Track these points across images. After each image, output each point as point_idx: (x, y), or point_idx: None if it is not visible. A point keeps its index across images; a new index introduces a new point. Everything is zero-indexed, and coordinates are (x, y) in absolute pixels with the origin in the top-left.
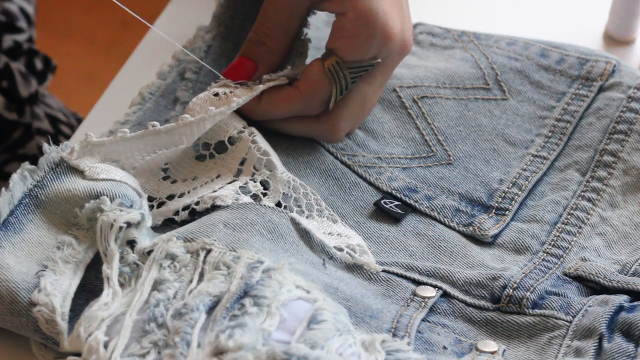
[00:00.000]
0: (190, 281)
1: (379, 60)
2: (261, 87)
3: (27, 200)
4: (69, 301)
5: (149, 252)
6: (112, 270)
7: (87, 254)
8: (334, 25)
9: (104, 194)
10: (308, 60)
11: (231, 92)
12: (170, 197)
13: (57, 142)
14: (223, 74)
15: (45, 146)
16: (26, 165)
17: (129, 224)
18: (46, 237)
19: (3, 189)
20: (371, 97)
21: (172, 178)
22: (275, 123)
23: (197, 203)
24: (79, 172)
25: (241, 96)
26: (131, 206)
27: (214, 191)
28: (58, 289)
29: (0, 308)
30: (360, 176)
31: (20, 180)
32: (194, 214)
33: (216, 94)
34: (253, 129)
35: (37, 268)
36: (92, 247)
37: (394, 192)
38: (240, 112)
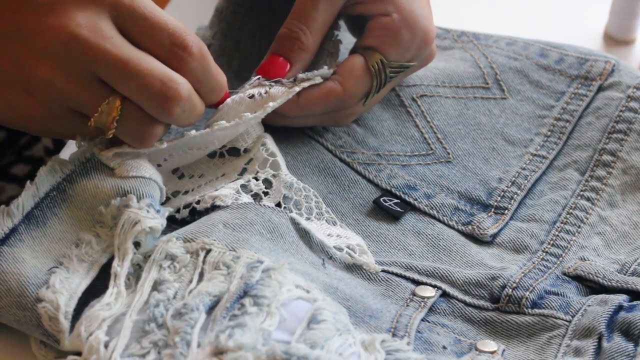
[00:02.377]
0: (190, 281)
1: (415, 63)
2: (297, 89)
3: (54, 193)
4: (75, 300)
5: (146, 257)
6: (122, 268)
7: (104, 255)
8: (374, 25)
9: (131, 192)
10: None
11: (266, 92)
12: (175, 194)
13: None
14: (256, 72)
15: (78, 141)
16: (57, 158)
17: (150, 229)
18: (68, 233)
19: (28, 181)
20: (385, 94)
21: (181, 172)
22: (289, 119)
23: (198, 202)
24: (109, 169)
25: (276, 98)
26: (158, 212)
27: (216, 189)
28: (66, 287)
29: (8, 300)
30: (360, 173)
31: (49, 172)
32: (194, 213)
33: (251, 96)
34: (266, 134)
35: (52, 264)
36: (111, 247)
37: (393, 189)
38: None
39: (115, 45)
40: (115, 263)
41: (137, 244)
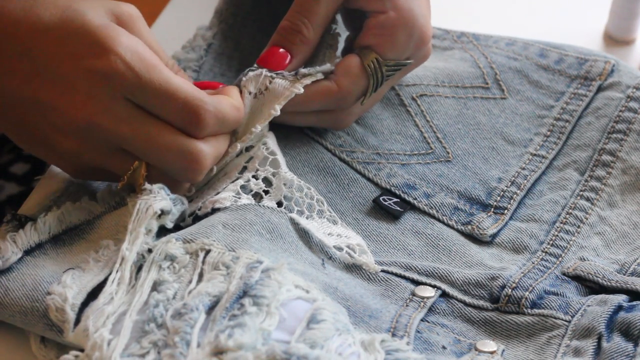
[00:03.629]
0: (190, 281)
1: (412, 61)
2: (299, 86)
3: (84, 226)
4: (84, 294)
5: (149, 251)
6: (130, 252)
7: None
8: (371, 23)
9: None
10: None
11: (266, 88)
12: None
13: None
14: (257, 62)
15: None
16: (87, 200)
17: (162, 212)
18: (92, 248)
19: (55, 207)
20: (383, 93)
21: None
22: (285, 115)
23: (200, 208)
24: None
25: (279, 97)
26: (168, 195)
27: (217, 193)
28: (77, 282)
29: (19, 292)
30: (359, 172)
31: (78, 209)
32: (196, 219)
33: (255, 95)
34: (269, 132)
35: (69, 267)
36: None
37: (392, 188)
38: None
39: (131, 125)
40: (124, 246)
41: (149, 231)
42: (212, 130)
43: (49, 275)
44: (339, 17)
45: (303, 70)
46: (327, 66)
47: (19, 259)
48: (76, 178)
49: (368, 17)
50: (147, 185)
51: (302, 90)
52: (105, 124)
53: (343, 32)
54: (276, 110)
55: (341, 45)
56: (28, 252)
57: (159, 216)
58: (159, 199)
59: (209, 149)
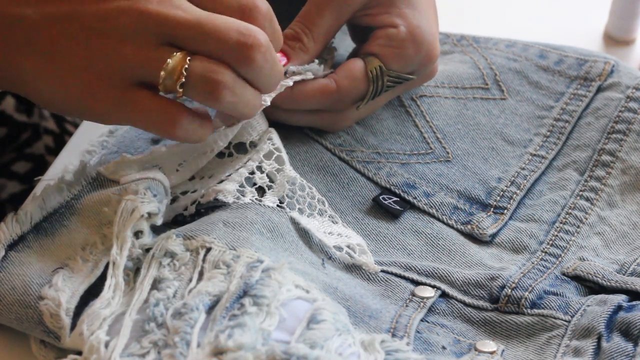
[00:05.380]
0: (190, 280)
1: (414, 77)
2: (289, 81)
3: (63, 209)
4: (77, 298)
5: (147, 250)
6: (121, 257)
7: (109, 253)
8: (379, 33)
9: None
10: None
11: None
12: (184, 193)
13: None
14: None
15: (84, 160)
16: (63, 179)
17: (149, 215)
18: (76, 240)
19: (34, 192)
20: (380, 105)
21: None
22: (282, 113)
23: (203, 196)
24: (115, 182)
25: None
26: (155, 196)
27: (221, 181)
28: (69, 285)
29: (10, 298)
30: (359, 171)
31: (57, 191)
32: (198, 206)
33: None
34: (272, 129)
35: (57, 266)
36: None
37: (392, 187)
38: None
39: (187, 11)
40: (113, 251)
41: (141, 232)
42: (265, 27)
43: (37, 275)
44: (344, 30)
45: (292, 69)
46: (315, 65)
47: (4, 257)
48: (102, 113)
49: (377, 28)
50: (133, 185)
51: (291, 84)
52: (158, 10)
53: (343, 46)
54: (266, 102)
55: (343, 54)
56: (12, 247)
57: (148, 215)
58: (146, 202)
59: (265, 36)
